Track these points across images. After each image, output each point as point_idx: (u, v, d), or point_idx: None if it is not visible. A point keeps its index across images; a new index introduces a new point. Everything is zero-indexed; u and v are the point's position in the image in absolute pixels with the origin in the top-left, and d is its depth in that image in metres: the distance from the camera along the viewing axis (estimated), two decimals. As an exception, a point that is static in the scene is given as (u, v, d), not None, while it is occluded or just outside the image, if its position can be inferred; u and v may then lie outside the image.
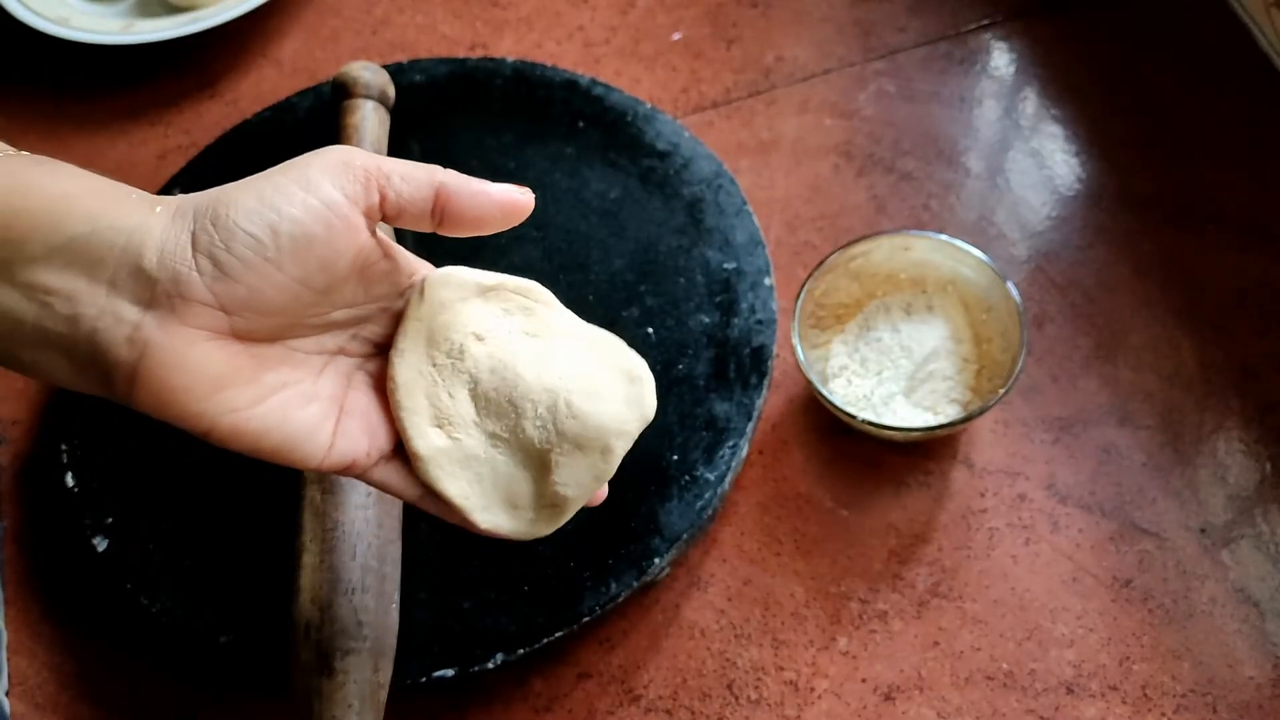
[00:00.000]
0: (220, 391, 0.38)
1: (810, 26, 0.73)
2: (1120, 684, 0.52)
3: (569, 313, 0.45)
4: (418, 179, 0.40)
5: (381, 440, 0.41)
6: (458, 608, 0.53)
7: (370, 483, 0.42)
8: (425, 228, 0.41)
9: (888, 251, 0.59)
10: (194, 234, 0.38)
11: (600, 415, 0.42)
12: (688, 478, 0.55)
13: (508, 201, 0.41)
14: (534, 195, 0.41)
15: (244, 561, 0.55)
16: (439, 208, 0.40)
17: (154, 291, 0.37)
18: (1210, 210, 0.63)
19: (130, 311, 0.37)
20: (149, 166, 0.71)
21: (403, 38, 0.75)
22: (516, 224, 0.42)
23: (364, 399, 0.42)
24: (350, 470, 0.40)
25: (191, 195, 0.39)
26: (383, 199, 0.40)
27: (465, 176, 0.41)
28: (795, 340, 0.56)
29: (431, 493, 0.42)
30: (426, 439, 0.41)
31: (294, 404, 0.39)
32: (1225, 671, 0.52)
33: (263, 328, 0.39)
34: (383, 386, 0.42)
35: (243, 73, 0.75)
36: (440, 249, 0.63)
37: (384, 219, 0.41)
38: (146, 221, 0.38)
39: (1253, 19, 0.68)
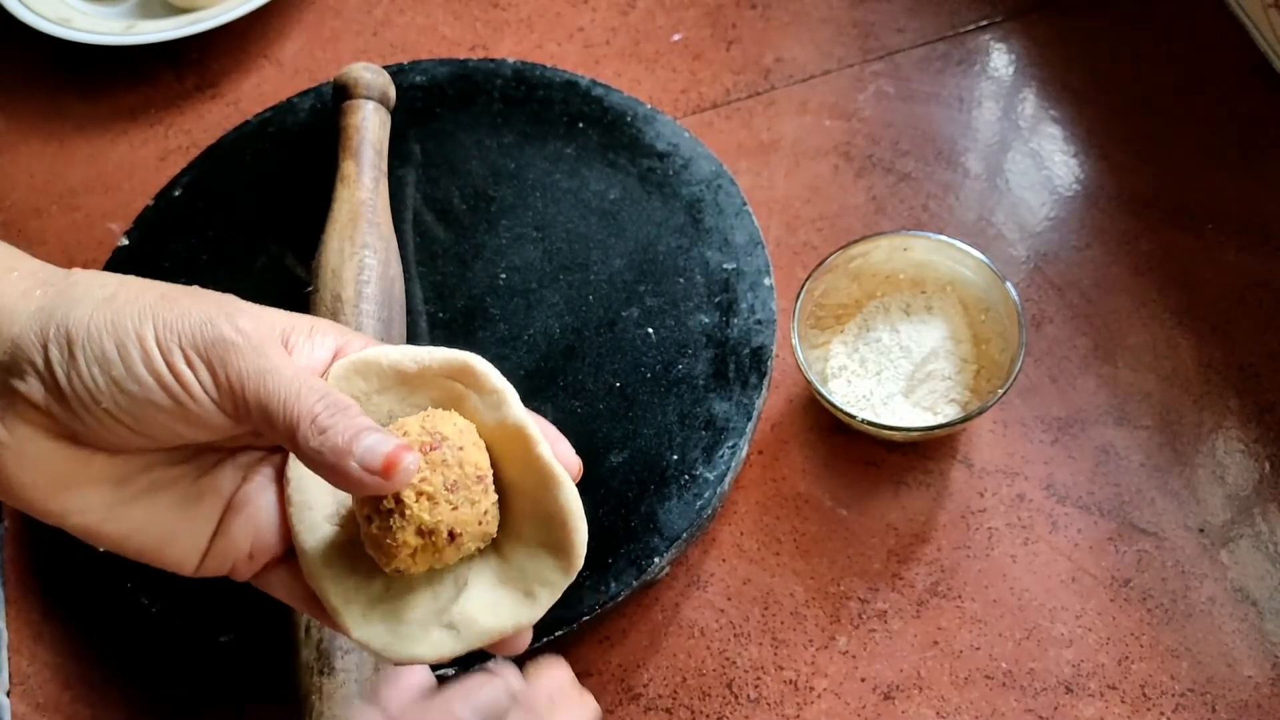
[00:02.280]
0: (66, 491, 0.34)
1: (810, 28, 0.73)
2: (1119, 683, 0.52)
3: (506, 394, 0.37)
4: (288, 418, 0.34)
5: (271, 540, 0.37)
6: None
7: (260, 587, 0.38)
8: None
9: (887, 252, 0.59)
10: (46, 345, 0.34)
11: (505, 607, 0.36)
12: (687, 477, 0.55)
13: (362, 481, 0.34)
14: (411, 469, 0.34)
15: (244, 561, 0.55)
16: (295, 449, 0.34)
17: (2, 380, 0.34)
18: (1209, 210, 0.63)
19: None
20: (150, 167, 0.72)
21: (403, 39, 0.75)
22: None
23: (262, 495, 0.37)
24: (233, 574, 0.36)
25: (74, 284, 0.35)
26: (236, 413, 0.34)
27: (337, 438, 0.34)
28: (795, 340, 0.56)
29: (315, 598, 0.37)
30: (315, 534, 0.36)
31: (164, 507, 0.35)
32: (1224, 671, 0.52)
33: (117, 447, 0.35)
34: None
35: (244, 73, 0.75)
36: (440, 250, 0.63)
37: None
38: (14, 306, 0.34)
39: (1251, 19, 0.68)
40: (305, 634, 0.49)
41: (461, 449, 0.35)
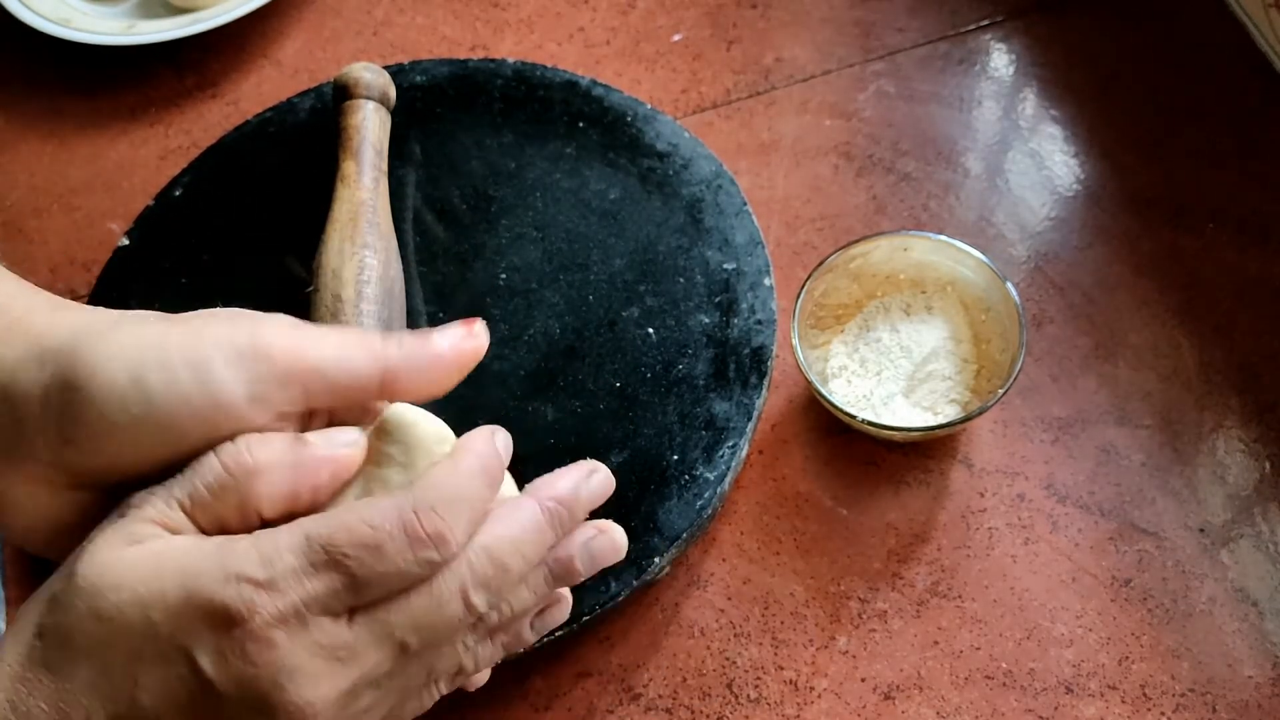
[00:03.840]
0: (61, 538, 0.34)
1: (810, 27, 0.73)
2: (1119, 683, 0.52)
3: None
4: (357, 368, 0.35)
5: None
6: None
7: None
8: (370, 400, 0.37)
9: (887, 252, 0.59)
10: (45, 391, 0.33)
11: None
12: (687, 477, 0.55)
13: (460, 355, 0.37)
14: (485, 329, 0.37)
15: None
16: (386, 390, 0.36)
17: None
18: (1210, 210, 0.63)
19: None
20: (150, 167, 0.72)
21: (403, 39, 0.75)
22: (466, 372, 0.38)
23: None
24: None
25: (65, 325, 0.34)
26: (306, 394, 0.35)
27: (414, 343, 0.36)
28: (795, 340, 0.56)
29: None
30: None
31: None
32: (1224, 671, 0.52)
33: (119, 479, 0.34)
34: None
35: (244, 73, 0.75)
36: (440, 250, 0.63)
37: (310, 405, 0.36)
38: (3, 355, 0.33)
39: (1251, 19, 0.68)
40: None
41: None
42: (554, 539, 0.38)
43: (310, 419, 0.37)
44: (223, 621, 0.32)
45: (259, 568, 0.32)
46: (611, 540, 0.40)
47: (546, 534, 0.38)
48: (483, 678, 0.42)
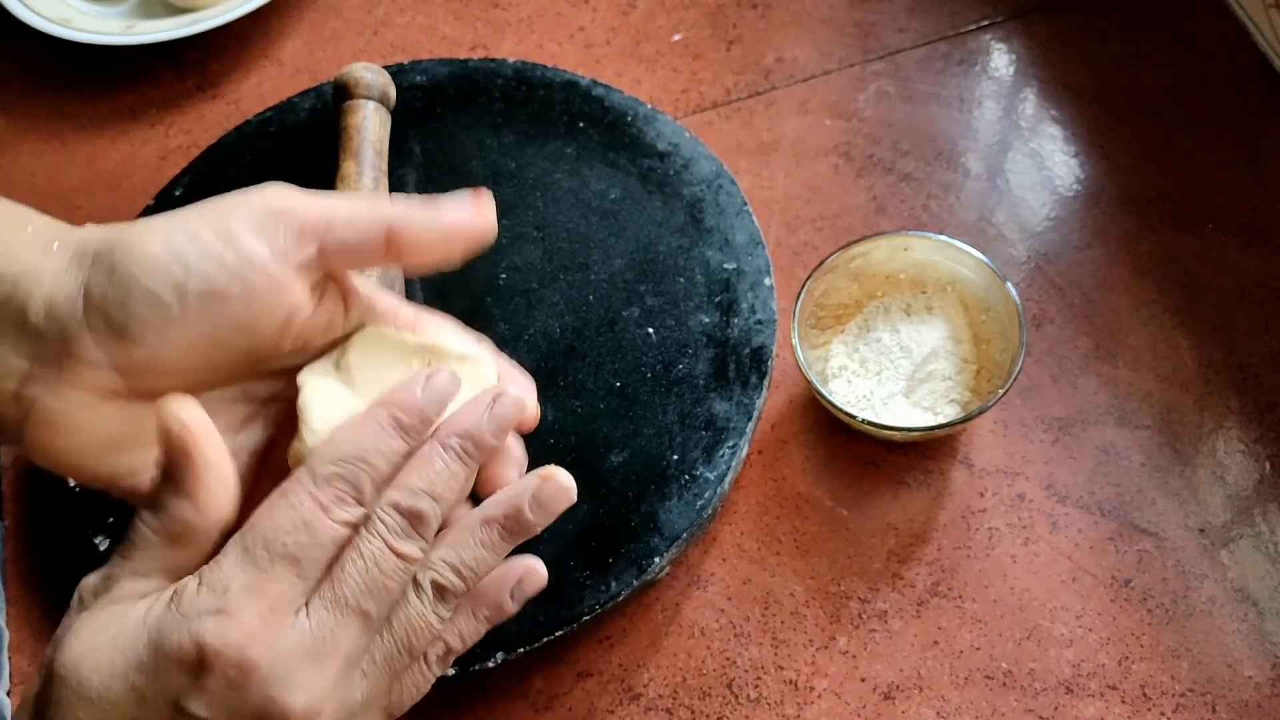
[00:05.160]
0: (114, 454, 0.35)
1: (810, 27, 0.73)
2: (1119, 683, 0.52)
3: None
4: (363, 221, 0.36)
5: None
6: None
7: None
8: (379, 265, 0.38)
9: (887, 252, 0.59)
10: (87, 285, 0.33)
11: None
12: (687, 477, 0.55)
13: (465, 225, 0.37)
14: (491, 199, 0.38)
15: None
16: (393, 250, 0.37)
17: (40, 348, 0.33)
18: (1210, 210, 0.63)
19: (16, 365, 0.33)
20: (150, 167, 0.72)
21: (404, 38, 0.75)
22: (486, 244, 0.38)
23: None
24: None
25: (96, 231, 0.35)
26: (321, 250, 0.36)
27: (420, 207, 0.37)
28: (795, 340, 0.56)
29: None
30: None
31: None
32: (1224, 671, 0.52)
33: (169, 386, 0.35)
34: None
35: (244, 73, 0.75)
36: (441, 249, 0.63)
37: (327, 268, 0.37)
38: (38, 265, 0.34)
39: (1251, 19, 0.68)
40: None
41: None
42: (407, 447, 0.37)
43: (325, 289, 0.37)
44: (199, 663, 0.32)
45: (212, 599, 0.33)
46: (559, 485, 0.39)
47: (396, 442, 0.36)
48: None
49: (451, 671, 0.51)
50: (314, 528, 0.34)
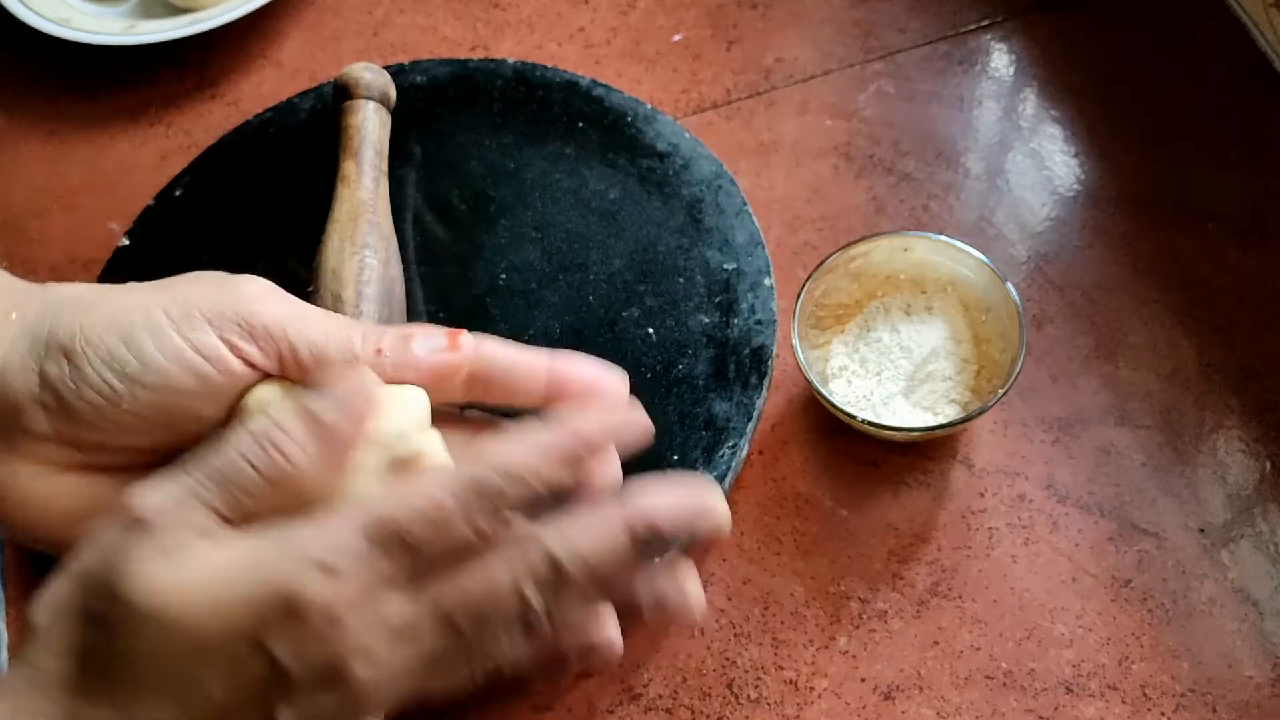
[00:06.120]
0: (76, 526, 0.33)
1: (810, 27, 0.73)
2: (1119, 683, 0.52)
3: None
4: (332, 348, 0.35)
5: None
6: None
7: None
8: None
9: (887, 252, 0.59)
10: (42, 364, 0.33)
11: None
12: (687, 477, 0.55)
13: (437, 367, 0.37)
14: (472, 341, 0.37)
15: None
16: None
17: None
18: (1210, 210, 0.63)
19: None
20: (150, 167, 0.72)
21: (404, 39, 0.75)
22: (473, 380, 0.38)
23: None
24: None
25: (54, 299, 0.34)
26: (282, 364, 0.35)
27: (394, 344, 0.36)
28: (795, 340, 0.56)
29: None
30: None
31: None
32: (1224, 671, 0.52)
33: (130, 463, 0.34)
34: None
35: (244, 73, 0.75)
36: (440, 250, 0.63)
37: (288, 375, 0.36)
38: None
39: (1251, 19, 0.68)
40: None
41: None
42: (629, 560, 0.36)
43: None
44: (299, 610, 0.32)
45: (327, 553, 0.32)
46: (678, 586, 0.38)
47: (625, 553, 0.35)
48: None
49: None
50: (443, 526, 0.33)
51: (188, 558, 0.32)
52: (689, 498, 0.37)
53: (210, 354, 0.34)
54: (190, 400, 0.34)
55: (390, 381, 0.37)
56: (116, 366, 0.33)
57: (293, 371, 0.36)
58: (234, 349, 0.34)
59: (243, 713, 0.32)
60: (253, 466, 0.33)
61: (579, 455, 0.36)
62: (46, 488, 0.34)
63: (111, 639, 0.31)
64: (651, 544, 0.36)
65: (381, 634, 0.33)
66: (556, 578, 0.35)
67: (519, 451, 0.35)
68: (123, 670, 0.31)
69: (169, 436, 0.34)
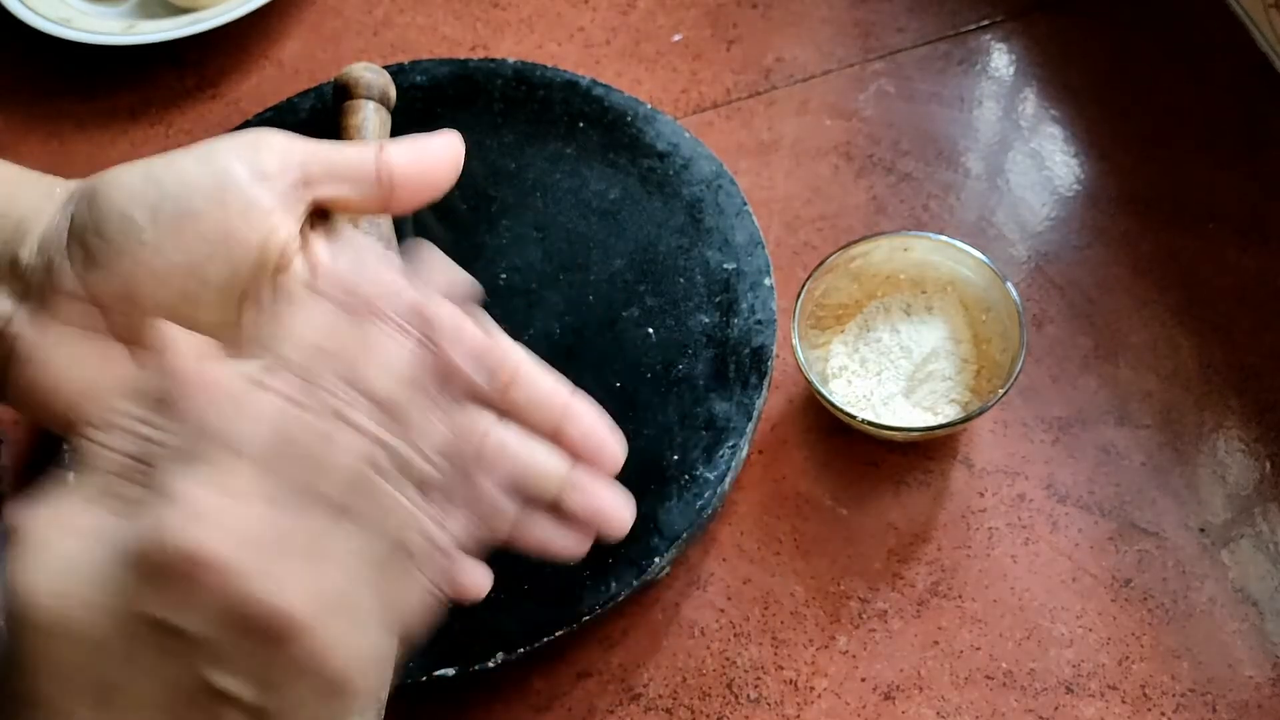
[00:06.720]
0: (89, 400, 0.32)
1: (810, 27, 0.73)
2: (1119, 683, 0.52)
3: None
4: (352, 153, 0.35)
5: None
6: (458, 607, 0.53)
7: None
8: (375, 209, 0.37)
9: (887, 252, 0.59)
10: (72, 217, 0.33)
11: None
12: (687, 477, 0.55)
13: (451, 150, 0.37)
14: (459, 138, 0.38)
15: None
16: (383, 183, 0.35)
17: (28, 283, 0.33)
18: (1210, 210, 0.63)
19: (4, 304, 0.33)
20: (150, 167, 0.72)
21: (404, 39, 0.75)
22: (456, 175, 0.38)
23: None
24: None
25: (98, 174, 0.35)
26: (306, 179, 0.34)
27: (406, 141, 0.36)
28: (795, 340, 0.56)
29: None
30: None
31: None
32: (1224, 671, 0.52)
33: (151, 308, 0.33)
34: None
35: (244, 73, 0.75)
36: (441, 250, 0.63)
37: (320, 204, 0.35)
38: (40, 207, 0.34)
39: (1251, 19, 0.68)
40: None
41: None
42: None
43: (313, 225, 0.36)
44: (151, 565, 0.27)
45: (150, 494, 0.28)
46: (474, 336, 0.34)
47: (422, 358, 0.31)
48: (480, 584, 0.37)
49: (451, 671, 0.51)
50: (273, 417, 0.29)
51: (47, 556, 0.28)
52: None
53: (228, 174, 0.33)
54: (209, 226, 0.33)
55: (408, 176, 0.37)
56: (137, 199, 0.33)
57: (325, 185, 0.35)
58: (252, 169, 0.34)
59: (192, 699, 0.28)
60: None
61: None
62: (70, 349, 0.33)
63: (20, 667, 0.28)
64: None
65: (268, 549, 0.28)
66: (391, 415, 0.30)
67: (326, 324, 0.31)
68: (47, 696, 0.27)
69: (193, 284, 0.32)
